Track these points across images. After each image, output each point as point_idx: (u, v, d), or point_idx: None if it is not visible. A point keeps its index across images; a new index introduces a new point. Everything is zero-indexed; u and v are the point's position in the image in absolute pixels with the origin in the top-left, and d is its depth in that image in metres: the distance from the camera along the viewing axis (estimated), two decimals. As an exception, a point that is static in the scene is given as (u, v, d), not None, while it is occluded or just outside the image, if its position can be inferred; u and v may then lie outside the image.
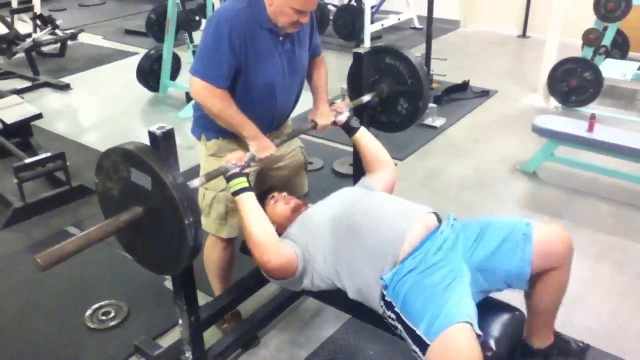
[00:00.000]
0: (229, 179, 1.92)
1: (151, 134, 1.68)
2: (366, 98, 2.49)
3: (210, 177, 1.90)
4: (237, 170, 1.92)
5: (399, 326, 1.72)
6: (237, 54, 1.97)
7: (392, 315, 1.75)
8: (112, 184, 1.72)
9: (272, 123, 2.24)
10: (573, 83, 4.54)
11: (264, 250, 1.86)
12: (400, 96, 2.56)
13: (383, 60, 2.54)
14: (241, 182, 1.92)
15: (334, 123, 2.34)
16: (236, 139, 2.16)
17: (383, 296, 1.78)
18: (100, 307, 2.65)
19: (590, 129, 3.44)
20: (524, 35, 6.91)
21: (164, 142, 1.68)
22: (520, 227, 1.89)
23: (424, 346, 1.61)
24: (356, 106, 2.47)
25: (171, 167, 1.64)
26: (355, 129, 2.35)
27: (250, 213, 1.89)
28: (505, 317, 1.86)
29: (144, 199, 1.64)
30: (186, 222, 1.57)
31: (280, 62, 2.10)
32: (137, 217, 1.65)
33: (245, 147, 2.10)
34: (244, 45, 1.98)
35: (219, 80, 1.99)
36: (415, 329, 1.65)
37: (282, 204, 2.15)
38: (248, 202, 1.91)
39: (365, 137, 2.36)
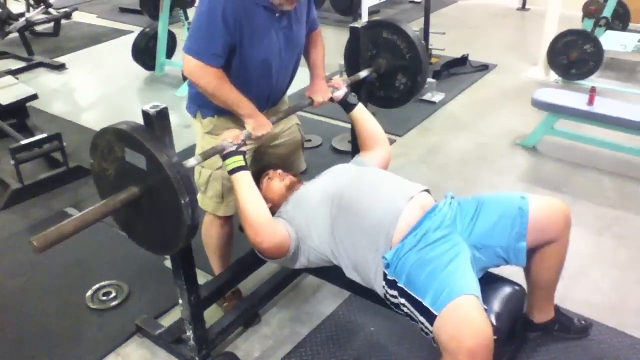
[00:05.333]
0: (224, 157, 1.90)
1: (145, 114, 1.66)
2: (364, 73, 2.46)
3: (206, 155, 1.88)
4: (233, 148, 1.90)
5: (403, 300, 1.72)
6: (231, 31, 1.93)
7: (395, 293, 1.74)
8: (107, 165, 1.70)
9: (268, 100, 2.21)
10: (573, 56, 4.50)
11: (257, 231, 1.86)
12: (398, 71, 2.52)
13: (380, 35, 2.49)
14: (237, 161, 1.90)
15: (331, 99, 2.31)
16: (232, 117, 2.13)
17: (385, 275, 1.77)
18: (101, 287, 2.65)
19: (591, 102, 3.41)
20: (523, 7, 6.83)
21: (158, 122, 1.66)
22: (516, 201, 1.88)
23: (431, 317, 1.60)
24: (354, 82, 2.43)
25: (166, 146, 1.62)
26: (353, 105, 2.32)
27: (246, 193, 1.88)
28: (505, 292, 1.86)
29: (140, 178, 1.62)
30: (182, 201, 1.56)
31: (276, 39, 2.05)
32: (134, 197, 1.64)
33: (241, 124, 2.07)
34: (239, 22, 1.93)
35: (213, 59, 1.95)
36: (421, 300, 1.64)
37: (277, 181, 2.13)
38: (243, 181, 1.89)
39: (362, 113, 2.33)
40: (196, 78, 1.98)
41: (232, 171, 1.89)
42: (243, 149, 1.93)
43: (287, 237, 1.91)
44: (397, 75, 2.53)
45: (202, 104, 2.15)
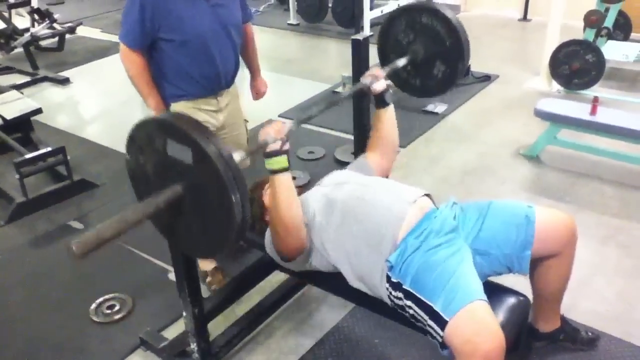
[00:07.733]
0: (268, 155, 1.77)
1: None
2: (401, 62, 2.27)
3: (249, 152, 1.76)
4: (277, 146, 1.75)
5: (409, 303, 1.70)
6: (149, 18, 2.16)
7: (400, 295, 1.73)
8: (145, 160, 1.57)
9: (219, 80, 2.38)
10: (575, 66, 4.50)
11: (291, 233, 1.82)
12: (437, 58, 2.30)
13: (418, 20, 2.28)
14: (282, 162, 1.78)
15: (369, 90, 2.15)
16: (199, 98, 2.36)
17: (388, 278, 1.76)
18: (105, 300, 2.65)
19: (593, 111, 3.41)
20: (525, 18, 6.85)
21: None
22: (523, 209, 1.88)
23: (442, 322, 1.60)
24: (391, 71, 2.24)
25: (213, 136, 1.46)
26: (387, 104, 2.20)
27: (286, 195, 1.79)
28: (510, 302, 1.85)
29: (184, 174, 1.48)
30: (233, 199, 1.40)
31: (208, 18, 2.23)
32: (177, 196, 1.49)
33: (199, 106, 2.37)
34: (160, 9, 2.14)
35: (132, 42, 2.23)
36: (431, 305, 1.63)
37: None
38: (285, 184, 1.79)
39: (391, 116, 2.23)
40: (122, 61, 2.29)
41: (275, 171, 1.79)
42: (286, 147, 1.79)
43: (306, 239, 1.89)
44: (436, 62, 2.32)
45: (168, 93, 2.38)
